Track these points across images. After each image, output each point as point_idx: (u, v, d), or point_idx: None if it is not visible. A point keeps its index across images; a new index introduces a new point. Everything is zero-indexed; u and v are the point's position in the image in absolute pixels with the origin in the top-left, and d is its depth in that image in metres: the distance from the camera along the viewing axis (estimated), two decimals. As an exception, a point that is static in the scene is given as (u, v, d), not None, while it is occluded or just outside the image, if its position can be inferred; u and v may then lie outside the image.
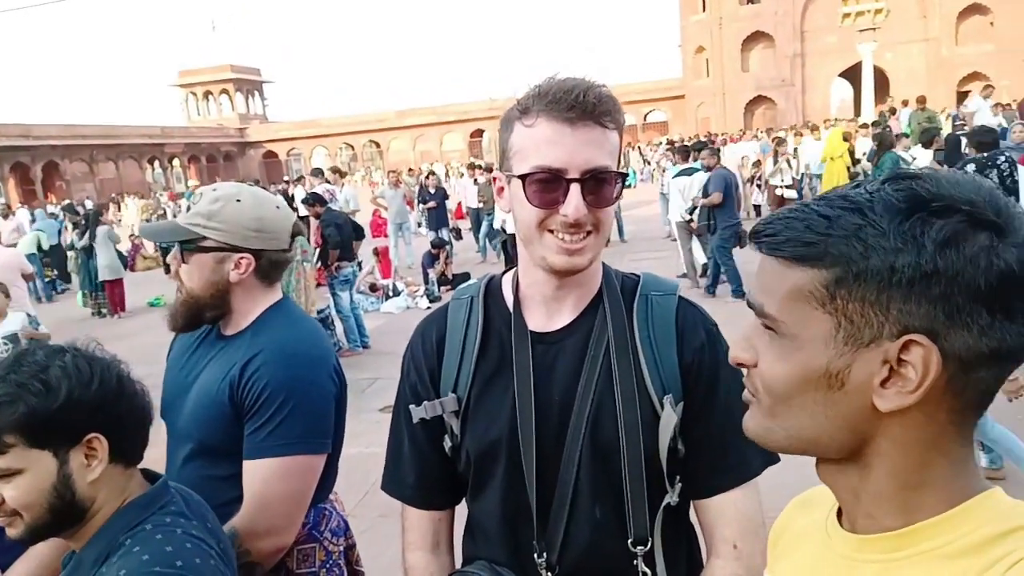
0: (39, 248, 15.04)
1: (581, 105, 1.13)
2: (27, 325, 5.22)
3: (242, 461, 1.65)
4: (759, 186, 15.38)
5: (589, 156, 1.14)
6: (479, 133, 56.57)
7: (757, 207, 15.54)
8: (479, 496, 1.35)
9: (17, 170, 42.47)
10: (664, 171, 15.50)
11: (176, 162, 56.28)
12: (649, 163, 29.80)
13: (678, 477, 1.28)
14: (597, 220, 1.19)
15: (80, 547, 1.27)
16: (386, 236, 14.01)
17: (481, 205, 14.33)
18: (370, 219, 14.37)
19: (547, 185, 1.16)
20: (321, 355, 1.77)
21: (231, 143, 61.60)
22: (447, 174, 32.13)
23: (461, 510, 1.44)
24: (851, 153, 12.71)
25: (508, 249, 11.62)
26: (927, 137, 10.87)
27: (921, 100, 16.34)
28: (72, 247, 13.36)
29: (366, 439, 4.76)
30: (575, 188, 1.14)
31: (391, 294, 11.23)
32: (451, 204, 16.13)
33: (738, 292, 8.70)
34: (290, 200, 14.25)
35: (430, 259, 11.77)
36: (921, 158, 10.82)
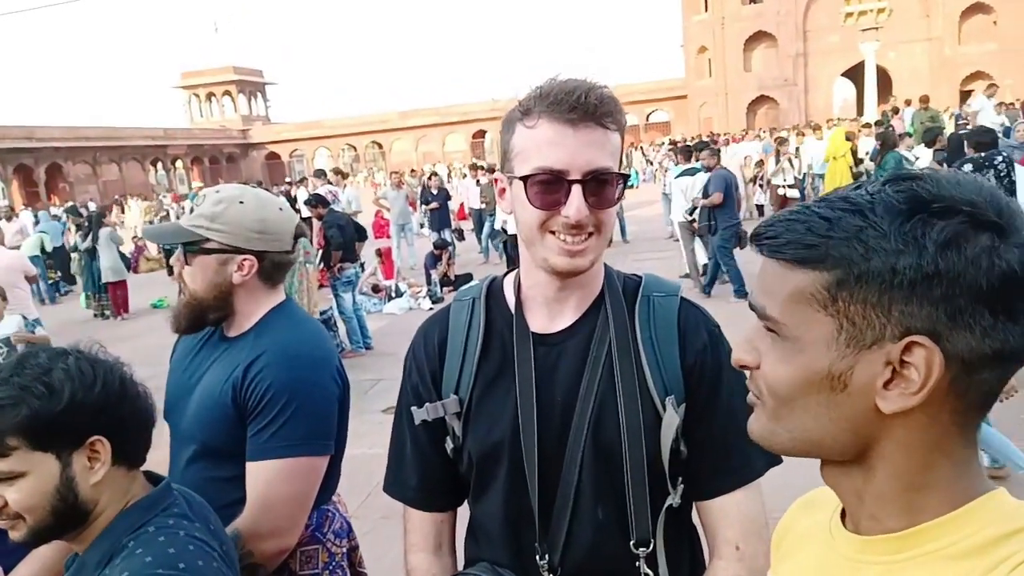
0: (42, 250, 15.07)
1: (583, 106, 1.13)
2: (22, 328, 5.21)
3: (245, 463, 1.65)
4: (761, 186, 15.37)
5: (591, 157, 1.14)
6: (481, 134, 56.61)
7: (760, 207, 15.52)
8: (481, 498, 1.35)
9: (21, 172, 42.58)
10: (666, 171, 15.49)
11: (179, 164, 56.40)
12: (652, 163, 29.78)
13: (680, 478, 1.28)
14: (599, 221, 1.18)
15: (83, 549, 1.27)
16: (388, 237, 14.01)
17: (483, 206, 14.34)
18: (372, 220, 14.36)
19: (549, 186, 1.15)
20: (324, 356, 1.77)
21: (234, 144, 61.70)
22: (449, 175, 32.15)
23: (463, 512, 1.44)
24: (854, 153, 12.69)
25: (508, 250, 11.62)
26: (930, 137, 10.86)
27: (924, 99, 16.32)
28: (75, 249, 13.40)
29: (369, 440, 4.77)
30: (577, 189, 1.14)
31: (394, 295, 11.23)
32: (453, 205, 16.13)
33: (740, 292, 8.69)
34: (293, 201, 14.27)
35: (433, 260, 11.78)
36: (924, 158, 10.82)
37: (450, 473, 1.38)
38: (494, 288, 1.38)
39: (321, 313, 7.77)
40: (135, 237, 19.26)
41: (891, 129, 12.84)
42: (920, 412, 0.67)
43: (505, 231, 11.50)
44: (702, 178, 9.43)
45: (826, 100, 47.20)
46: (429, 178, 15.92)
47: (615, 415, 1.23)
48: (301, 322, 1.84)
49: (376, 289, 11.34)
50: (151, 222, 20.14)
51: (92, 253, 12.38)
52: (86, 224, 13.14)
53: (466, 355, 1.32)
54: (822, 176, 13.49)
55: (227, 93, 65.37)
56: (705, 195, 9.14)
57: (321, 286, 8.69)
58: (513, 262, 11.07)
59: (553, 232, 1.18)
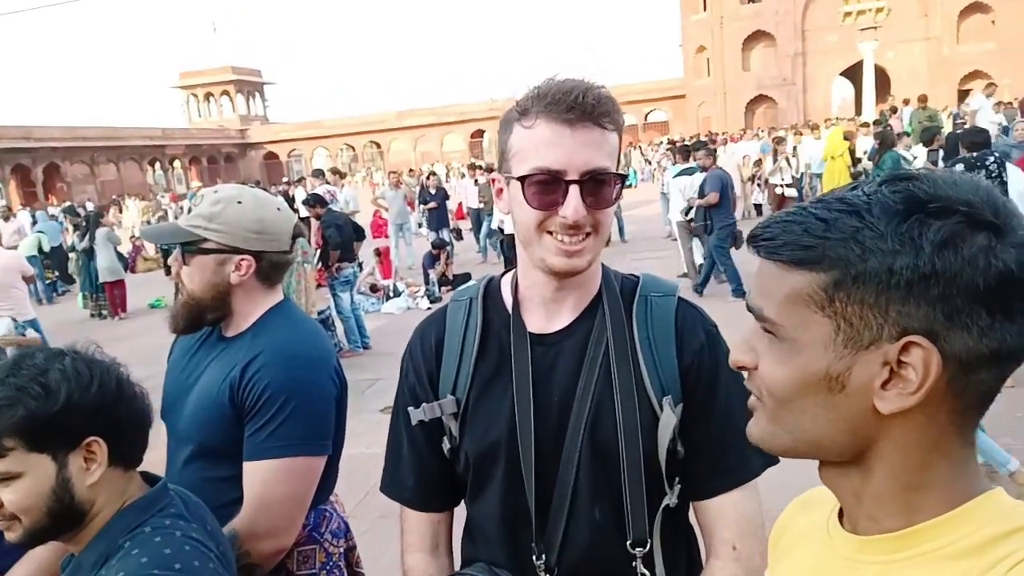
0: (40, 250, 15.06)
1: (580, 106, 1.13)
2: (12, 331, 5.19)
3: (242, 463, 1.65)
4: (759, 185, 15.39)
5: (588, 157, 1.14)
6: (480, 134, 56.58)
7: (758, 206, 15.54)
8: (478, 498, 1.35)
9: (18, 172, 42.54)
10: (664, 171, 15.50)
11: (177, 164, 56.36)
12: (650, 163, 29.80)
13: (677, 478, 1.28)
14: (596, 221, 1.18)
15: (79, 550, 1.27)
16: (387, 237, 14.02)
17: (482, 206, 14.34)
18: (371, 220, 14.36)
19: (546, 187, 1.15)
20: (322, 356, 1.77)
21: (232, 144, 61.67)
22: (448, 175, 32.14)
23: (460, 512, 1.44)
24: (851, 152, 12.70)
25: (505, 250, 11.62)
26: (928, 136, 10.87)
27: (922, 99, 16.34)
28: (73, 249, 13.38)
29: (366, 440, 4.76)
30: (574, 190, 1.14)
31: (392, 295, 11.23)
32: (452, 205, 16.14)
33: (738, 291, 8.70)
34: (291, 201, 14.27)
35: (431, 260, 11.77)
36: (922, 157, 10.84)
37: (447, 473, 1.37)
38: (491, 288, 1.37)
39: (319, 313, 7.77)
40: (133, 237, 19.25)
41: (889, 128, 12.85)
42: (918, 412, 0.67)
43: (502, 231, 11.50)
44: (700, 178, 9.44)
45: (824, 99, 47.23)
46: (427, 178, 15.93)
47: (612, 415, 1.23)
48: (299, 322, 1.84)
49: (374, 289, 11.34)
50: (149, 222, 20.14)
51: (89, 253, 12.37)
52: (83, 224, 13.13)
53: (463, 355, 1.31)
54: (820, 176, 13.50)
55: (225, 93, 65.35)
56: (701, 195, 9.16)
57: (319, 286, 8.69)
58: (510, 262, 11.08)
59: (551, 232, 1.18)
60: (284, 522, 1.66)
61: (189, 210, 1.78)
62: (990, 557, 0.65)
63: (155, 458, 1.48)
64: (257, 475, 1.63)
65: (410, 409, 1.34)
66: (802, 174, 14.48)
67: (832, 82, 48.19)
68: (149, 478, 1.36)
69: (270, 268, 1.79)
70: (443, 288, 11.31)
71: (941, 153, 9.83)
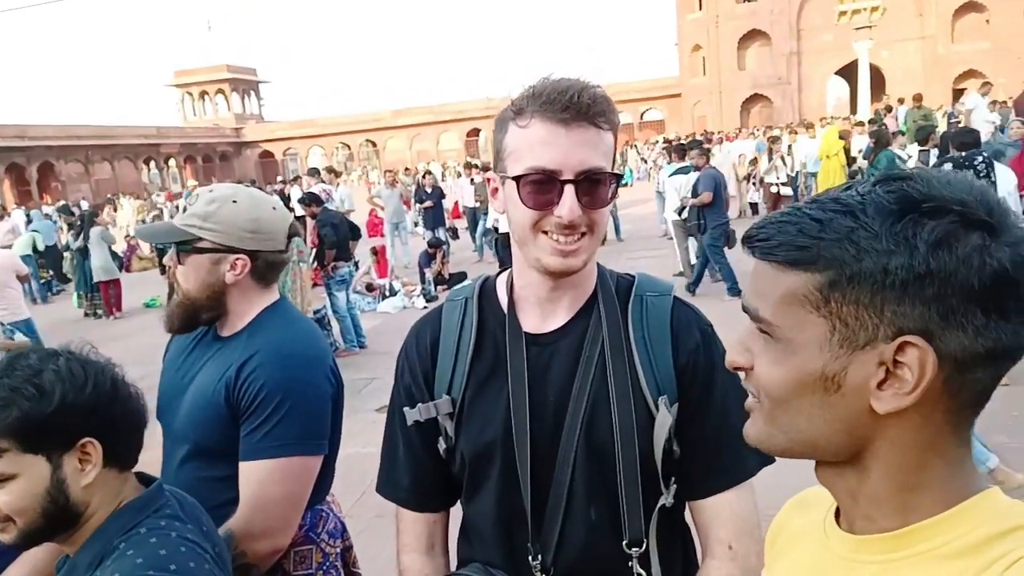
0: (35, 249, 15.02)
1: (575, 106, 1.12)
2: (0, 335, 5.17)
3: (238, 463, 1.64)
4: (755, 184, 15.41)
5: (583, 157, 1.14)
6: (476, 132, 56.55)
7: (754, 205, 15.57)
8: (474, 498, 1.35)
9: (12, 171, 42.36)
10: (660, 169, 15.52)
11: (172, 162, 56.17)
12: (646, 161, 29.83)
13: (673, 478, 1.28)
14: (592, 221, 1.18)
15: (74, 551, 1.27)
16: (382, 236, 14.00)
17: (478, 204, 14.34)
18: (367, 219, 14.34)
19: (541, 186, 1.15)
20: (317, 356, 1.76)
21: (227, 143, 61.48)
22: (444, 173, 32.13)
23: (456, 512, 1.44)
24: (847, 152, 12.73)
25: (499, 249, 11.62)
26: (922, 135, 10.90)
27: (917, 98, 16.41)
28: (67, 248, 13.34)
29: (363, 439, 4.76)
30: (569, 189, 1.14)
31: (388, 294, 11.22)
32: (448, 204, 16.13)
33: (733, 290, 8.71)
34: (286, 200, 14.24)
35: (427, 259, 11.77)
36: (933, 155, 10.83)
37: (443, 473, 1.37)
38: (487, 288, 1.37)
39: (315, 312, 7.76)
40: (128, 236, 19.19)
41: (884, 127, 12.88)
42: (914, 412, 0.67)
43: (496, 230, 11.49)
44: (695, 177, 9.47)
45: (820, 98, 47.32)
46: (423, 176, 15.92)
47: (608, 415, 1.23)
48: (295, 321, 1.83)
49: (370, 288, 11.33)
50: (144, 221, 20.09)
51: (84, 252, 12.35)
52: (78, 223, 13.09)
53: (458, 355, 1.31)
54: (815, 175, 13.52)
55: (220, 91, 65.17)
56: (694, 194, 9.18)
57: (315, 285, 8.68)
58: (503, 261, 11.06)
59: (546, 232, 1.18)
60: (280, 522, 1.66)
61: (184, 209, 1.78)
62: (986, 557, 0.65)
63: (150, 458, 1.47)
64: (253, 475, 1.62)
65: (405, 409, 1.34)
66: (797, 173, 14.51)
67: (827, 81, 48.29)
68: (145, 479, 1.35)
69: (265, 267, 1.78)
70: (439, 287, 11.31)
71: (932, 152, 9.85)
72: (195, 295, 1.74)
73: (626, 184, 25.71)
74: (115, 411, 1.25)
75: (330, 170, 14.91)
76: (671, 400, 1.24)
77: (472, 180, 15.33)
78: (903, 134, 13.71)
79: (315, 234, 8.58)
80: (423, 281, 11.54)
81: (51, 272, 15.82)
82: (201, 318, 1.77)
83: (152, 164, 54.47)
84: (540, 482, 1.25)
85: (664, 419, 1.23)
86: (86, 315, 12.80)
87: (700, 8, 48.14)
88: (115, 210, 25.00)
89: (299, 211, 10.08)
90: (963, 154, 5.86)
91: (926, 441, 0.69)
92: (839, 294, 0.67)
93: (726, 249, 9.00)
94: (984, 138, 12.30)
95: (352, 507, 4.09)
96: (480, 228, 14.17)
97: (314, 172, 14.93)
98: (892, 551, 0.71)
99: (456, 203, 17.79)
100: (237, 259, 1.73)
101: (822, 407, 0.70)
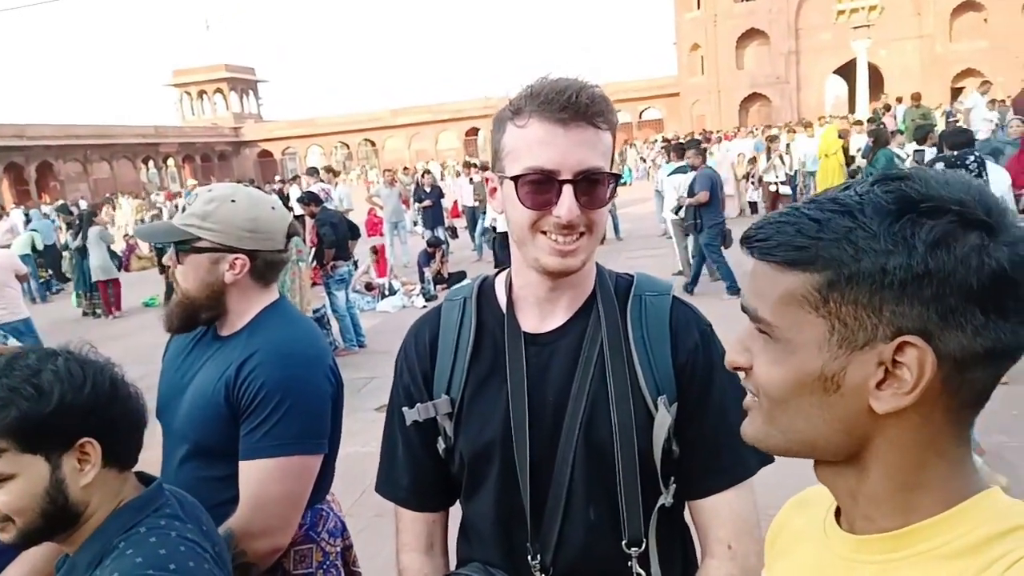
0: (34, 248, 15.00)
1: (574, 106, 1.12)
2: None
3: (238, 462, 1.64)
4: (754, 183, 15.42)
5: (582, 157, 1.14)
6: (474, 132, 56.50)
7: (753, 204, 15.57)
8: (473, 498, 1.34)
9: (11, 170, 42.31)
10: (659, 168, 15.52)
11: (171, 162, 56.11)
12: (645, 160, 29.82)
13: (672, 478, 1.28)
14: (590, 221, 1.18)
15: (74, 551, 1.27)
16: (382, 235, 13.99)
17: (477, 204, 14.33)
18: (365, 218, 14.33)
19: (539, 186, 1.15)
20: (317, 355, 1.76)
21: (226, 142, 61.42)
22: (443, 173, 32.11)
23: (456, 511, 1.44)
24: (845, 151, 12.73)
25: (495, 249, 11.61)
26: (921, 134, 10.89)
27: (916, 97, 16.41)
28: (66, 247, 13.33)
29: (362, 438, 4.76)
30: (568, 189, 1.14)
31: (387, 293, 11.22)
32: (447, 203, 16.12)
33: (732, 289, 8.72)
34: (285, 200, 14.23)
35: (426, 258, 11.76)
36: (928, 154, 10.81)
37: (442, 473, 1.37)
38: (485, 287, 1.37)
39: (314, 311, 7.76)
40: (126, 236, 19.17)
41: (883, 126, 12.89)
42: (913, 411, 0.67)
43: (494, 229, 11.49)
44: (692, 176, 9.49)
45: (818, 97, 47.33)
46: (422, 176, 15.90)
47: (607, 415, 1.23)
48: (294, 321, 1.83)
49: (369, 287, 11.32)
50: (143, 220, 20.07)
51: (83, 252, 12.34)
52: (76, 223, 13.08)
53: (457, 355, 1.31)
54: (814, 174, 13.52)
55: (219, 91, 65.12)
56: (691, 194, 9.20)
57: (314, 284, 8.68)
58: (501, 261, 11.03)
59: (544, 232, 1.17)
60: (280, 521, 1.66)
61: (183, 208, 1.77)
62: (986, 557, 0.65)
63: (150, 457, 1.47)
64: (253, 474, 1.62)
65: (404, 409, 1.33)
66: (796, 171, 14.52)
67: (826, 80, 48.30)
68: (145, 478, 1.35)
69: (264, 267, 1.78)
70: (438, 286, 11.30)
71: (927, 151, 9.84)
72: (194, 294, 1.74)
73: (625, 183, 25.70)
74: (114, 411, 1.25)
75: (328, 169, 14.87)
76: (670, 400, 1.24)
77: (471, 179, 15.32)
78: (902, 133, 13.71)
79: (314, 233, 8.58)
80: (422, 280, 11.54)
81: (50, 271, 15.81)
82: (200, 317, 1.77)
83: (151, 164, 54.42)
84: (539, 482, 1.25)
85: (663, 419, 1.23)
86: (85, 314, 12.80)
87: (698, 7, 48.13)
88: (114, 209, 24.98)
89: (298, 210, 10.07)
90: (955, 153, 5.87)
91: (926, 441, 0.69)
92: (838, 294, 0.67)
93: (723, 248, 9.02)
94: (984, 136, 12.33)
95: (352, 506, 4.08)
96: (479, 227, 14.16)
97: (313, 171, 14.90)
98: (892, 551, 0.71)
99: (455, 202, 17.79)
100: (236, 258, 1.73)
101: (821, 407, 0.70)
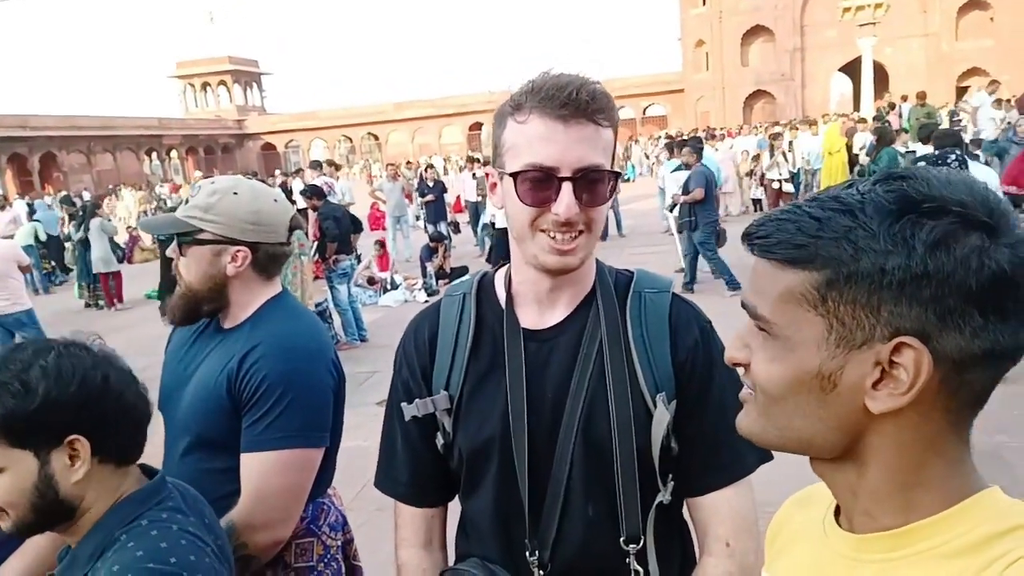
0: (37, 239, 15.00)
1: (574, 102, 1.11)
2: None
3: (240, 454, 1.65)
4: (757, 180, 15.38)
5: (582, 154, 1.13)
6: (478, 126, 56.39)
7: (756, 201, 15.54)
8: (472, 494, 1.35)
9: (14, 161, 42.34)
10: (661, 165, 15.49)
11: (174, 154, 56.12)
12: (648, 157, 29.76)
13: (671, 475, 1.27)
14: (589, 219, 1.17)
15: (75, 542, 1.27)
16: (384, 229, 13.99)
17: (480, 199, 14.30)
18: (368, 212, 14.33)
19: (539, 183, 1.14)
20: (319, 348, 1.77)
21: (229, 135, 61.40)
22: (446, 167, 32.06)
23: (455, 507, 1.44)
24: (849, 149, 12.70)
25: (493, 242, 11.57)
26: (925, 133, 10.85)
27: (921, 95, 16.35)
28: (69, 238, 13.34)
29: (364, 432, 4.74)
30: (567, 187, 1.13)
31: (389, 287, 11.22)
32: (450, 198, 16.10)
33: (732, 283, 8.72)
34: (288, 193, 14.22)
35: (428, 253, 11.76)
36: (919, 153, 10.80)
37: (441, 469, 1.37)
38: (485, 283, 1.37)
39: (316, 305, 7.75)
40: (129, 227, 19.18)
41: (888, 125, 12.85)
42: (911, 411, 0.67)
43: (493, 224, 11.46)
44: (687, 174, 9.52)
45: (823, 95, 47.19)
46: (425, 170, 15.88)
47: (606, 411, 1.23)
48: (297, 314, 1.83)
49: (371, 281, 11.32)
50: (146, 212, 20.08)
51: (85, 243, 12.34)
52: (79, 214, 13.09)
53: (456, 350, 1.31)
54: (817, 171, 13.49)
55: (222, 83, 65.08)
56: (685, 191, 9.21)
57: (316, 278, 8.67)
58: (493, 253, 10.96)
59: (543, 230, 1.17)
60: (281, 514, 1.66)
61: (187, 200, 1.78)
62: (986, 556, 0.65)
63: (152, 450, 1.47)
64: (254, 467, 1.63)
65: (403, 405, 1.33)
66: (799, 169, 14.49)
67: (831, 78, 48.15)
68: (148, 471, 1.35)
69: (267, 260, 1.78)
70: (440, 281, 11.29)
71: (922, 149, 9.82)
72: (196, 287, 1.74)
73: (628, 179, 25.66)
74: (105, 407, 1.23)
75: (330, 163, 14.84)
76: (669, 397, 1.24)
77: (474, 174, 15.30)
78: (906, 131, 13.67)
79: (317, 227, 8.57)
80: (424, 275, 11.54)
81: (53, 262, 15.81)
82: (203, 310, 1.77)
83: (154, 155, 54.42)
84: (538, 478, 1.25)
85: (662, 416, 1.23)
86: (87, 306, 12.81)
87: (704, 3, 47.99)
88: (117, 200, 24.98)
89: (301, 204, 10.07)
90: (936, 152, 5.89)
91: (925, 440, 0.69)
92: (836, 293, 0.67)
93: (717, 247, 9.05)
94: (991, 136, 12.29)
95: (353, 500, 4.09)
96: (482, 222, 14.15)
97: (316, 165, 14.89)
98: (892, 550, 0.71)
99: (458, 197, 17.76)
100: (238, 251, 1.73)
101: (818, 405, 0.70)
